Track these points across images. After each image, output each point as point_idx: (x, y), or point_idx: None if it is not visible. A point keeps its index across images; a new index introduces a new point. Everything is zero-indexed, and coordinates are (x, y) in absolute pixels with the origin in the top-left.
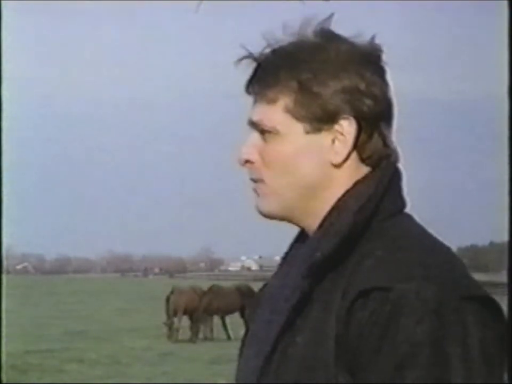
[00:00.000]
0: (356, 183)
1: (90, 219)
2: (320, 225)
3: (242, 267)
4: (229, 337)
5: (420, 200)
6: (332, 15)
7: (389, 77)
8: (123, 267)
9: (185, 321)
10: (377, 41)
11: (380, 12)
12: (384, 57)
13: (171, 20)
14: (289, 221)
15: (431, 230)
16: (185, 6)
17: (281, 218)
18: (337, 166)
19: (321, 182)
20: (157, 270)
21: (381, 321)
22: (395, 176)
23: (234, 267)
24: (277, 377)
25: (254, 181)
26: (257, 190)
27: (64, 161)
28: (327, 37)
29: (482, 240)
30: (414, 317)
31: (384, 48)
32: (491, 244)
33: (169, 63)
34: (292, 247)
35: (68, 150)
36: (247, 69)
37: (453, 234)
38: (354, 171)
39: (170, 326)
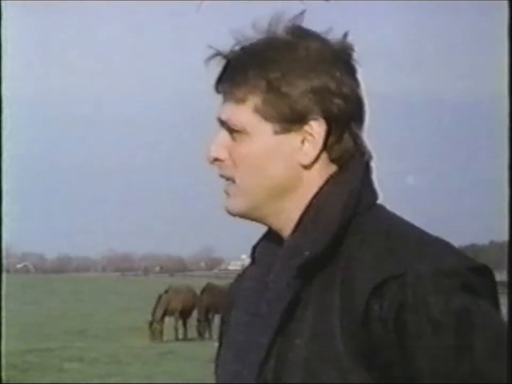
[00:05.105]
0: (328, 181)
1: (90, 218)
2: (297, 225)
3: (243, 266)
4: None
5: (420, 199)
6: (303, 12)
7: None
8: (123, 266)
9: (172, 321)
10: (377, 42)
11: (380, 12)
12: (355, 55)
13: (171, 20)
14: (259, 221)
15: (431, 229)
16: (185, 6)
17: (251, 218)
18: (307, 167)
19: (290, 183)
20: (157, 269)
21: (408, 305)
22: (367, 170)
23: (234, 266)
24: (279, 382)
25: (225, 178)
26: (227, 189)
27: (64, 161)
28: (297, 34)
29: (482, 239)
30: (442, 292)
31: (385, 49)
32: (491, 243)
33: (169, 63)
34: (257, 247)
35: (67, 149)
36: (219, 68)
37: (453, 233)
38: (324, 171)
39: (150, 325)
